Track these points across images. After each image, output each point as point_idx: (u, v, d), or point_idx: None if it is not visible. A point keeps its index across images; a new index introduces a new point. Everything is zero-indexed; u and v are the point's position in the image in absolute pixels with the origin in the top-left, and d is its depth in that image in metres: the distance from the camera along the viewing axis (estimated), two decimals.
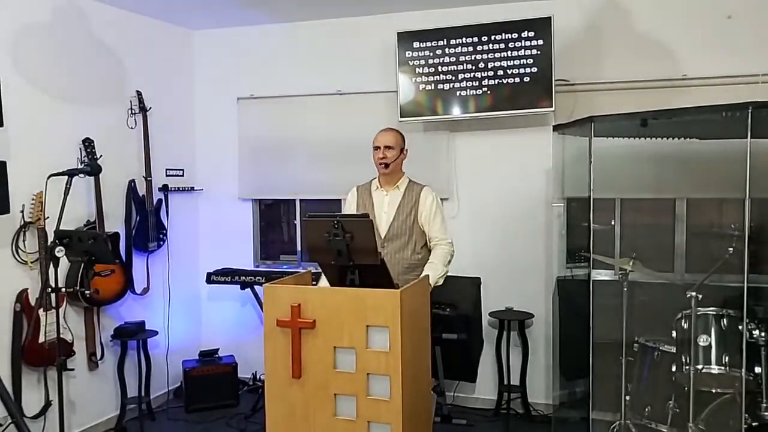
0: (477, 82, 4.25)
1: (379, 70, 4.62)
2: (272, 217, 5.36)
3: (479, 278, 4.37)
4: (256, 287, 4.60)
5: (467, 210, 4.56)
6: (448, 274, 3.38)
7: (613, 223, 4.21)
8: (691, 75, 4.02)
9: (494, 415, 4.42)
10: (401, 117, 4.41)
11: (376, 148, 3.43)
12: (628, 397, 3.46)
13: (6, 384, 3.31)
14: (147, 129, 4.48)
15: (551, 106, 4.10)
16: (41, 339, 3.58)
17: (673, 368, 3.27)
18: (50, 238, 3.29)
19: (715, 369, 3.16)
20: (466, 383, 4.48)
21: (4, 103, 3.30)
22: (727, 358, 3.15)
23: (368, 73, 4.67)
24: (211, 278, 4.74)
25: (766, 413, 3.08)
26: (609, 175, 3.46)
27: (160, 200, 4.65)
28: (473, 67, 4.25)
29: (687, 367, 3.18)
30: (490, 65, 4.22)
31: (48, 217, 3.57)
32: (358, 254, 2.79)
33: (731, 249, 3.19)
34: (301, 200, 5.03)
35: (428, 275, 3.18)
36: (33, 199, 3.62)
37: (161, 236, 4.63)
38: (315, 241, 2.88)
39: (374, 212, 3.43)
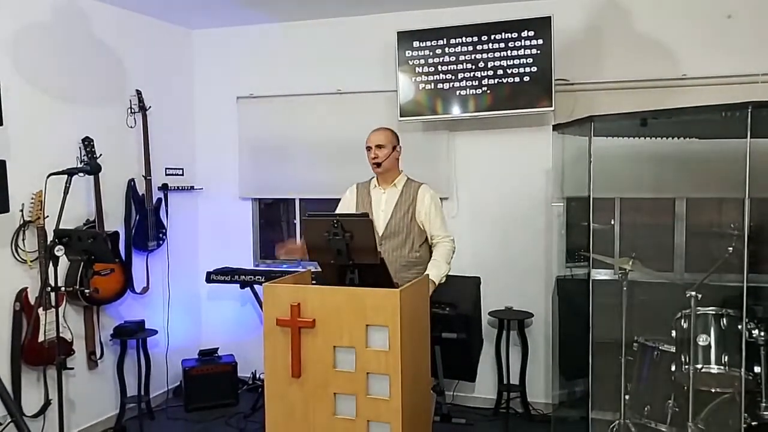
0: (477, 82, 4.25)
1: (379, 70, 4.62)
2: (272, 216, 5.36)
3: (479, 278, 4.37)
4: (255, 286, 4.60)
5: (467, 210, 4.56)
6: (448, 273, 3.41)
7: (612, 222, 4.22)
8: (690, 75, 4.02)
9: (494, 415, 4.42)
10: (401, 116, 4.41)
11: (368, 148, 3.47)
12: (627, 397, 3.46)
13: (6, 383, 3.31)
14: (147, 128, 4.48)
15: (551, 106, 4.10)
16: (41, 338, 3.58)
17: (673, 368, 3.27)
18: (50, 237, 3.29)
19: (714, 368, 3.16)
20: (466, 382, 4.48)
21: (4, 103, 3.30)
22: (726, 357, 3.15)
23: (368, 73, 4.67)
24: (210, 277, 4.74)
25: (765, 413, 3.08)
26: (609, 174, 3.46)
27: (159, 199, 4.65)
28: (473, 67, 4.25)
29: (686, 367, 3.18)
30: (489, 65, 4.22)
31: (48, 216, 3.57)
32: (357, 253, 2.79)
33: (731, 248, 3.19)
34: (300, 199, 5.03)
35: (433, 274, 3.24)
36: (33, 198, 3.62)
37: (161, 235, 4.63)
38: (315, 241, 2.88)
39: (372, 210, 3.45)
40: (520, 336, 4.39)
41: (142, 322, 4.36)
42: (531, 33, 4.11)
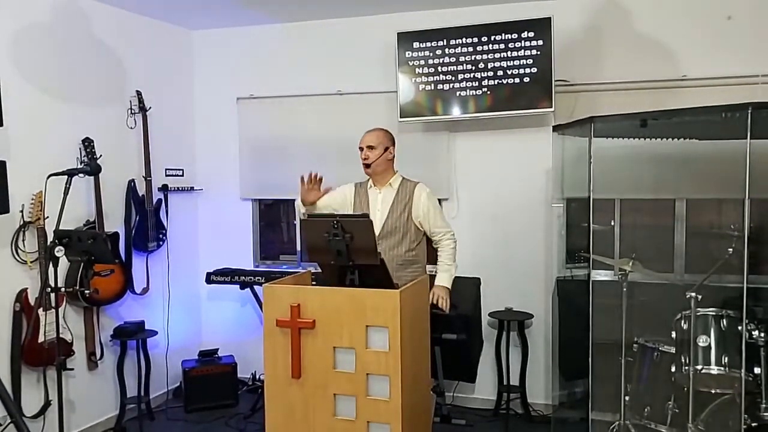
0: (477, 83, 4.25)
1: (379, 70, 4.62)
2: (272, 217, 5.36)
3: (479, 278, 4.37)
4: (255, 287, 4.60)
5: (467, 210, 4.56)
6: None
7: (612, 223, 4.21)
8: (691, 75, 4.02)
9: (494, 416, 4.42)
10: (401, 117, 4.41)
11: (360, 148, 3.50)
12: (627, 398, 3.45)
13: (5, 384, 3.30)
14: (147, 129, 4.48)
15: (551, 107, 4.10)
16: (41, 339, 3.58)
17: (673, 369, 3.27)
18: (50, 238, 3.29)
19: (714, 369, 3.15)
20: (466, 383, 4.48)
21: (4, 103, 3.30)
22: (726, 358, 3.14)
23: (368, 73, 4.67)
24: (210, 278, 4.74)
25: (765, 414, 3.07)
26: (609, 175, 3.46)
27: (159, 200, 4.65)
28: (473, 68, 4.25)
29: (686, 368, 3.18)
30: (489, 65, 4.22)
31: (48, 217, 3.57)
32: (357, 254, 2.79)
33: (731, 249, 3.20)
34: None
35: (445, 280, 3.47)
36: (33, 199, 3.62)
37: (161, 236, 4.63)
38: (314, 241, 2.88)
39: (369, 209, 3.46)
40: (520, 337, 4.39)
41: (142, 323, 4.36)
42: (531, 34, 4.11)
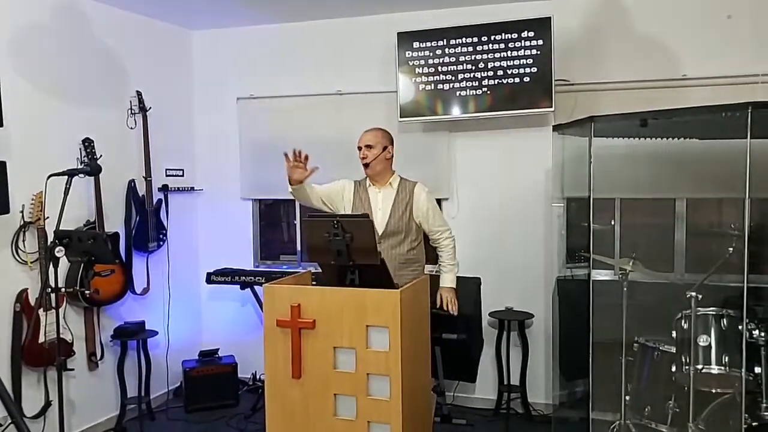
0: (477, 82, 4.25)
1: (379, 70, 4.62)
2: (272, 217, 5.36)
3: (479, 278, 4.36)
4: (256, 287, 4.61)
5: (467, 210, 4.56)
6: None
7: (613, 223, 4.21)
8: (691, 75, 4.02)
9: (494, 415, 4.42)
10: (401, 117, 4.41)
11: (359, 148, 3.51)
12: (627, 397, 3.45)
13: (6, 384, 3.30)
14: (147, 129, 4.48)
15: (551, 106, 4.10)
16: (41, 339, 3.58)
17: (673, 368, 3.27)
18: (50, 238, 3.29)
19: (715, 369, 3.15)
20: (466, 383, 4.48)
21: (4, 103, 3.30)
22: (726, 358, 3.14)
23: (368, 73, 4.67)
24: (211, 278, 4.74)
25: (766, 413, 3.07)
26: (609, 175, 3.46)
27: (160, 200, 4.65)
28: (473, 67, 4.25)
29: (687, 367, 3.18)
30: (489, 65, 4.22)
31: (48, 217, 3.57)
32: (357, 254, 2.79)
33: (731, 249, 3.19)
34: None
35: (450, 281, 3.58)
36: (33, 199, 3.62)
37: (161, 236, 4.63)
38: (315, 241, 2.88)
39: (370, 209, 3.46)
40: (520, 336, 4.39)
41: (143, 323, 4.36)
42: (531, 33, 4.11)
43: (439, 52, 4.30)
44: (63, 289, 3.51)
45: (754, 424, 3.02)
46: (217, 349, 4.86)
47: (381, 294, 2.66)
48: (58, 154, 3.86)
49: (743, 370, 2.98)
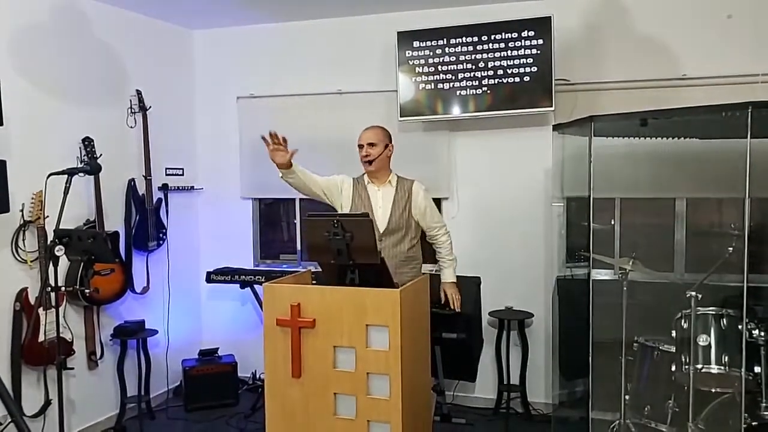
0: (477, 82, 4.25)
1: (379, 70, 4.62)
2: (272, 216, 5.36)
3: (479, 278, 4.37)
4: (255, 286, 4.60)
5: (467, 209, 4.56)
6: None
7: (612, 222, 4.21)
8: (691, 75, 4.02)
9: (494, 415, 4.42)
10: (401, 116, 4.41)
11: (360, 146, 3.51)
12: (627, 397, 3.45)
13: (6, 383, 3.30)
14: (147, 128, 4.48)
15: (551, 106, 4.10)
16: (41, 338, 3.58)
17: (673, 368, 3.27)
18: (50, 237, 3.29)
19: (714, 369, 3.15)
20: (466, 382, 4.48)
21: (4, 103, 3.30)
22: (726, 357, 3.14)
23: (368, 73, 4.67)
24: (210, 277, 4.74)
25: (765, 413, 3.07)
26: (609, 174, 3.46)
27: (159, 199, 4.65)
28: (473, 67, 4.25)
29: (687, 367, 3.18)
30: (490, 65, 4.22)
31: (48, 216, 3.57)
32: (357, 253, 2.79)
33: (731, 248, 3.19)
34: (300, 199, 5.02)
35: (451, 276, 3.67)
36: (33, 198, 3.62)
37: (161, 235, 4.63)
38: (315, 241, 2.88)
39: (370, 206, 3.46)
40: (520, 336, 4.39)
41: (142, 322, 4.36)
42: (531, 33, 4.11)
43: (439, 51, 4.30)
44: (63, 288, 3.51)
45: (753, 423, 3.02)
46: (217, 349, 4.86)
47: (381, 293, 2.66)
48: (58, 153, 3.86)
49: (743, 369, 2.98)
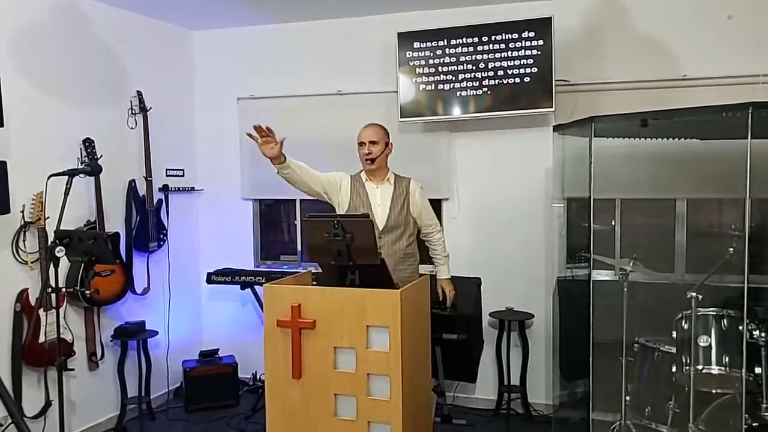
0: (477, 83, 4.25)
1: (379, 71, 4.62)
2: (272, 217, 5.36)
3: (479, 278, 4.36)
4: (256, 287, 4.61)
5: (467, 210, 4.56)
6: None
7: (613, 223, 4.21)
8: (691, 75, 4.02)
9: (494, 416, 4.42)
10: (401, 117, 4.41)
11: (361, 144, 3.51)
12: (628, 398, 3.45)
13: (6, 384, 3.30)
14: (147, 129, 4.48)
15: (551, 107, 4.10)
16: (41, 339, 3.58)
17: (674, 369, 3.27)
18: (50, 238, 3.29)
19: (715, 369, 3.15)
20: (467, 383, 4.48)
21: (4, 103, 3.30)
22: (727, 358, 3.14)
23: (369, 74, 4.67)
24: (211, 278, 4.74)
25: (766, 414, 3.07)
26: (609, 175, 3.46)
27: (160, 200, 4.65)
28: (473, 68, 4.25)
29: (687, 368, 3.18)
30: (490, 65, 4.22)
31: (48, 217, 3.57)
32: (358, 254, 2.79)
33: (731, 249, 3.19)
34: (301, 200, 5.03)
35: (446, 273, 3.75)
36: (33, 199, 3.62)
37: (161, 236, 4.63)
38: (315, 241, 2.88)
39: (369, 204, 3.47)
40: (520, 337, 4.39)
41: (143, 323, 4.36)
42: (531, 34, 4.11)
43: (439, 52, 4.30)
44: (63, 289, 3.51)
45: (754, 424, 3.02)
46: (218, 349, 4.86)
47: (381, 294, 2.66)
48: (58, 154, 3.87)
49: (743, 370, 2.98)
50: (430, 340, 3.10)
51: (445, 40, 4.28)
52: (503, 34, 4.17)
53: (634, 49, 4.15)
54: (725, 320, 3.19)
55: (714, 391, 3.13)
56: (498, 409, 4.44)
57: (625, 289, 3.41)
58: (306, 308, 2.74)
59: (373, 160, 3.47)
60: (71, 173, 3.19)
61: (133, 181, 4.44)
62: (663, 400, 3.34)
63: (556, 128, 3.92)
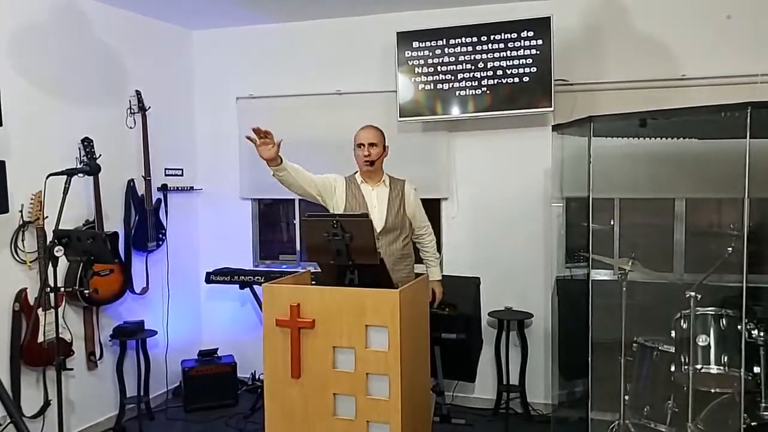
0: (476, 82, 4.26)
1: (378, 70, 4.62)
2: (271, 216, 5.36)
3: (478, 278, 4.37)
4: (255, 287, 4.60)
5: (466, 210, 4.56)
6: (447, 273, 3.71)
7: (612, 223, 4.22)
8: (690, 75, 4.02)
9: (493, 415, 4.42)
10: (401, 117, 4.41)
11: (360, 145, 3.50)
12: (627, 397, 3.46)
13: (5, 384, 3.30)
14: (146, 129, 4.48)
15: (550, 106, 4.10)
16: (40, 339, 3.58)
17: (672, 368, 3.27)
18: (49, 238, 3.29)
19: (714, 369, 3.15)
20: (466, 383, 4.48)
21: (3, 103, 3.30)
22: (726, 358, 3.14)
23: (368, 74, 4.67)
24: (210, 278, 4.74)
25: (764, 413, 3.07)
26: (608, 175, 3.46)
27: (159, 200, 4.65)
28: (472, 67, 4.25)
29: (686, 367, 3.18)
30: (489, 65, 4.22)
31: (47, 217, 3.57)
32: (357, 254, 2.79)
33: (730, 249, 3.20)
34: (300, 200, 5.02)
35: (437, 273, 3.71)
36: (32, 199, 3.62)
37: (160, 236, 4.63)
38: (314, 241, 2.88)
39: (365, 206, 3.47)
40: (519, 336, 4.39)
41: (142, 323, 4.36)
42: (531, 33, 4.11)
43: (438, 51, 4.30)
44: (62, 289, 3.51)
45: (753, 423, 3.02)
46: (217, 349, 4.86)
47: (380, 294, 2.66)
48: (57, 153, 3.86)
49: (742, 370, 2.98)
50: (429, 340, 3.10)
51: (444, 40, 4.28)
52: (502, 34, 4.17)
53: (633, 48, 4.16)
54: (724, 320, 3.19)
55: (713, 391, 3.13)
56: (497, 408, 4.44)
57: (624, 289, 3.41)
58: (305, 308, 2.74)
59: (372, 163, 3.47)
60: (70, 173, 3.19)
61: (132, 180, 4.43)
62: (662, 399, 3.34)
63: (555, 128, 3.92)
